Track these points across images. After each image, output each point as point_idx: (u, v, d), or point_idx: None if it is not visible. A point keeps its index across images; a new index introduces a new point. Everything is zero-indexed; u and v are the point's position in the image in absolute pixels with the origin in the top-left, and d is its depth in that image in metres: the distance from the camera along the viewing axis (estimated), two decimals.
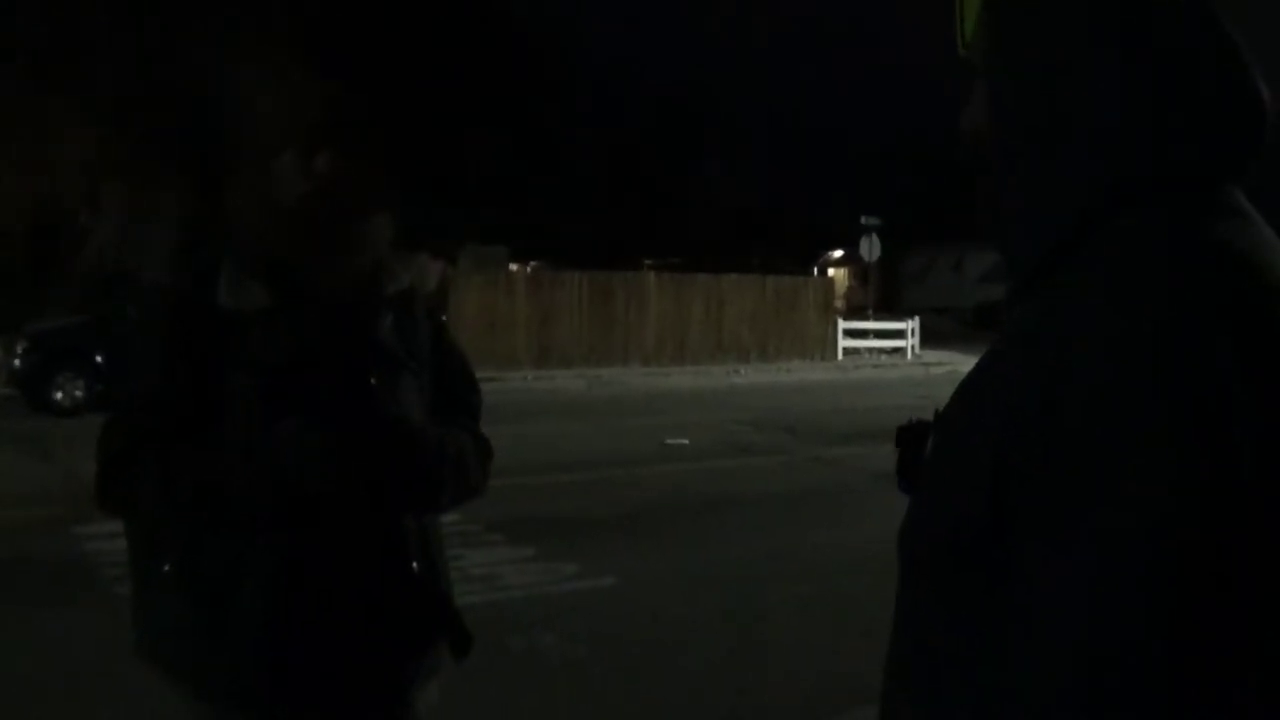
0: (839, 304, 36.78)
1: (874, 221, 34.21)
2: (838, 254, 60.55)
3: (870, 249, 34.15)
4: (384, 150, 2.41)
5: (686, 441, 14.99)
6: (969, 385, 1.24)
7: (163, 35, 29.51)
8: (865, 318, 35.00)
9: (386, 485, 2.25)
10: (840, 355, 31.46)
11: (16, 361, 17.92)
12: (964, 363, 30.53)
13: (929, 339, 34.21)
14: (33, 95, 28.62)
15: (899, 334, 32.91)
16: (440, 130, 30.20)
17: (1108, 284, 1.09)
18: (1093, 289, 1.10)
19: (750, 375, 27.63)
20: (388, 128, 2.50)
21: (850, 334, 32.32)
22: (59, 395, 17.42)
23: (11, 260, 29.05)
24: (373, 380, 2.34)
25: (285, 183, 2.32)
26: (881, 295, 41.23)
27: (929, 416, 1.43)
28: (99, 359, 17.23)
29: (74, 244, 29.60)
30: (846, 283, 55.94)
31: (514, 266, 38.79)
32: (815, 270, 54.86)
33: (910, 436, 1.54)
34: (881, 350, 32.50)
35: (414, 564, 2.41)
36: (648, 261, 44.43)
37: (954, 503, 1.14)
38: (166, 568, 2.25)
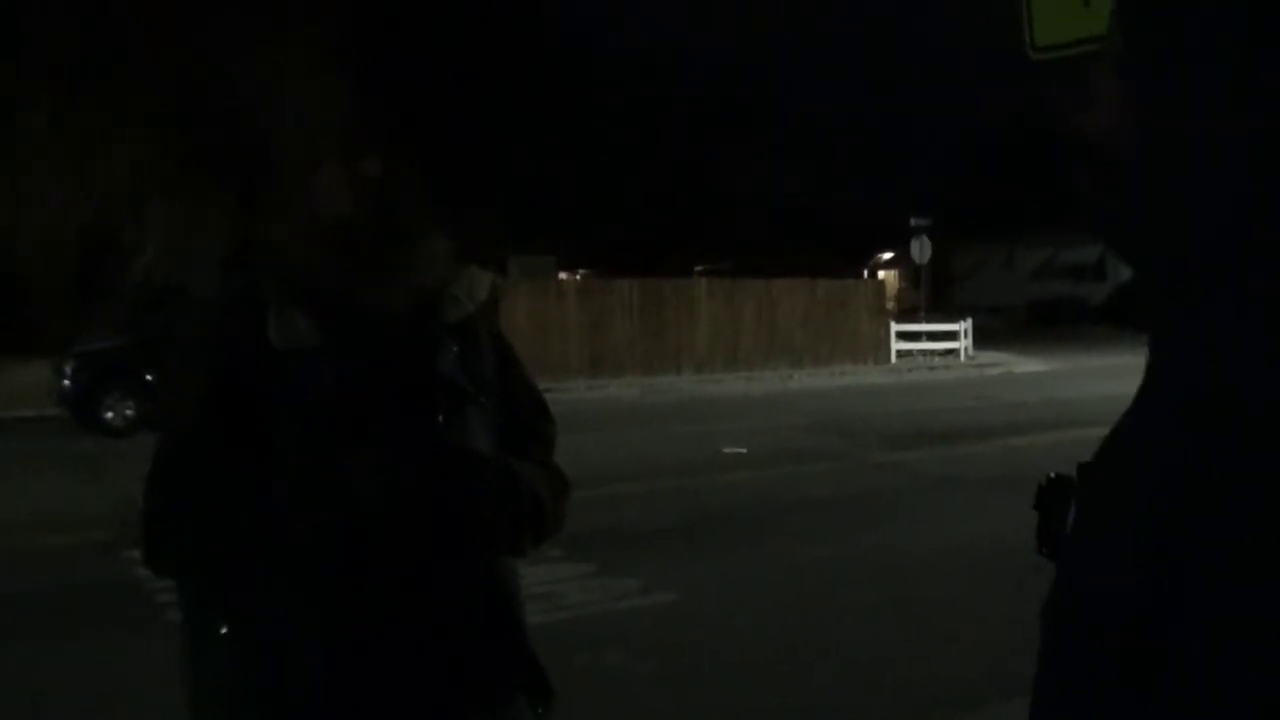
0: (891, 305, 36.56)
1: (924, 222, 34.01)
2: (888, 255, 60.27)
3: (921, 251, 33.95)
4: (432, 159, 2.27)
5: (744, 450, 14.89)
6: (1120, 435, 1.11)
7: (203, 46, 29.68)
8: (918, 319, 34.76)
9: (462, 526, 2.11)
10: (894, 358, 31.25)
11: (66, 382, 17.97)
12: (1017, 363, 30.44)
13: (982, 339, 33.94)
14: (76, 111, 28.87)
15: (952, 335, 32.65)
16: (484, 137, 30.26)
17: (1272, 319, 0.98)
18: (1254, 323, 0.99)
19: (803, 379, 27.49)
20: (433, 134, 2.36)
21: (903, 336, 32.10)
22: (109, 415, 17.49)
23: (58, 280, 29.33)
24: (440, 418, 2.16)
25: (328, 198, 2.15)
26: (933, 295, 40.96)
27: (1068, 468, 1.29)
28: (149, 377, 17.08)
29: (120, 262, 29.80)
30: (898, 284, 55.71)
31: (563, 275, 38.81)
32: (865, 272, 54.63)
33: (1052, 497, 1.35)
34: (935, 352, 32.24)
35: (491, 614, 2.26)
36: (698, 268, 44.33)
37: (1105, 579, 1.04)
38: (224, 630, 2.10)
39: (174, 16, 29.89)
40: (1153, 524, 0.98)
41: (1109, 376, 22.73)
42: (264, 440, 2.05)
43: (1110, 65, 1.19)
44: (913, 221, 34.34)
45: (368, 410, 2.09)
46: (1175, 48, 1.09)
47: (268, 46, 29.34)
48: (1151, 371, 1.10)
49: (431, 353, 2.20)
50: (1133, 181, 1.15)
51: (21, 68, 28.26)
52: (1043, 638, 1.14)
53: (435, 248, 2.23)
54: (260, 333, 2.09)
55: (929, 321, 34.26)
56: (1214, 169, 1.06)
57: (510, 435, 2.33)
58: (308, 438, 2.05)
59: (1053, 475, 1.39)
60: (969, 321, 33.22)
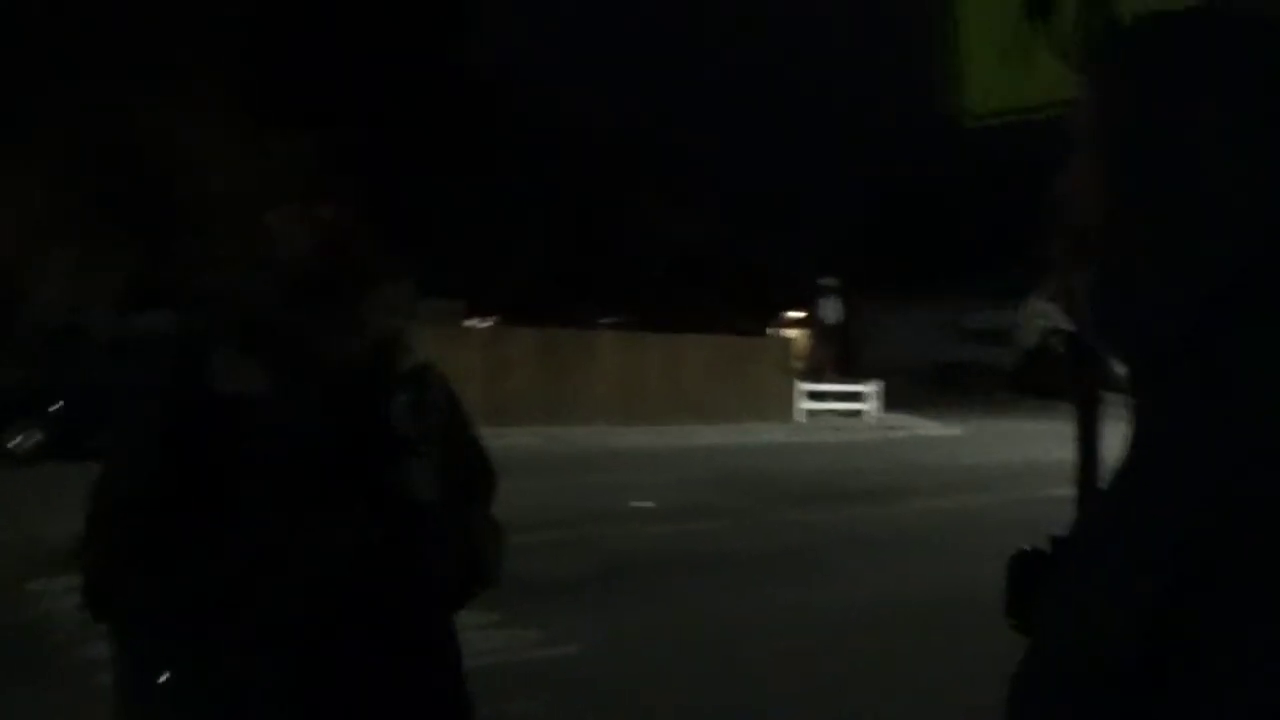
0: (798, 364, 36.75)
1: (832, 282, 34.33)
2: (797, 314, 60.78)
3: (830, 310, 34.22)
4: (389, 203, 2.25)
5: (652, 504, 14.79)
6: (1109, 504, 1.13)
7: (109, 85, 29.38)
8: (825, 379, 34.98)
9: (415, 579, 2.11)
10: (802, 417, 31.38)
11: None
12: (924, 426, 30.72)
13: (889, 401, 34.21)
14: None
15: (860, 396, 32.88)
16: (388, 179, 30.21)
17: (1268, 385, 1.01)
18: (1255, 390, 1.02)
19: (709, 435, 27.38)
20: (377, 179, 2.32)
21: (811, 395, 32.31)
22: (14, 442, 17.59)
23: None
24: (387, 469, 2.14)
25: (282, 241, 2.12)
26: (840, 355, 41.29)
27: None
28: (51, 409, 17.59)
29: (16, 299, 29.38)
30: (805, 342, 56.13)
31: (471, 322, 38.67)
32: (774, 329, 54.99)
33: (1026, 568, 1.39)
34: (842, 412, 32.45)
35: (436, 667, 2.25)
36: (604, 320, 44.40)
37: (1094, 643, 1.03)
38: (163, 679, 2.01)
39: (85, 53, 29.60)
40: (1152, 583, 0.98)
41: (1013, 442, 23.02)
42: (212, 490, 2.01)
43: (1086, 140, 1.19)
44: (822, 281, 34.65)
45: (321, 463, 2.06)
46: (1172, 132, 1.10)
47: (172, 93, 29.14)
48: (1144, 443, 1.11)
49: (383, 403, 2.18)
50: (1108, 257, 1.16)
51: None
52: (1013, 706, 1.14)
53: (397, 294, 2.21)
54: (203, 377, 2.04)
55: (836, 382, 34.48)
56: (1191, 244, 1.08)
57: (454, 486, 2.30)
58: (259, 490, 2.01)
59: (1027, 548, 1.44)
60: (877, 384, 33.47)
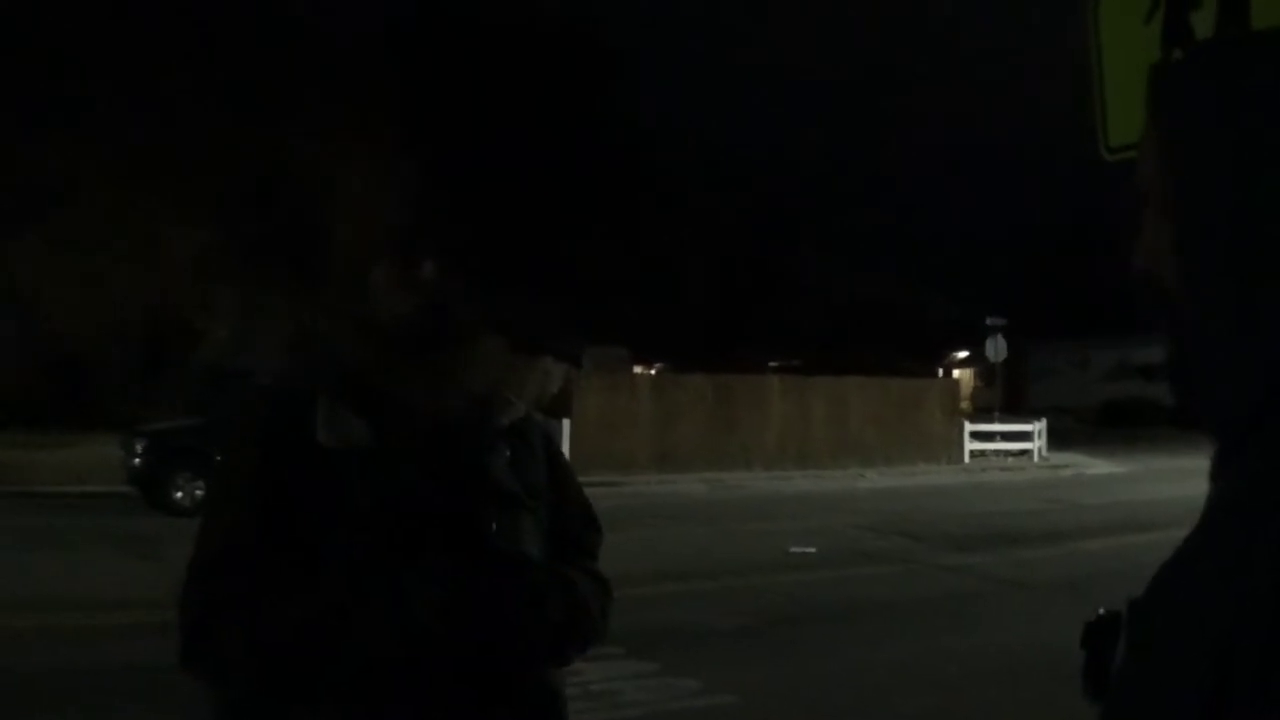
0: (965, 405, 36.21)
1: (999, 321, 33.79)
2: (963, 354, 59.91)
3: (996, 350, 33.70)
4: (497, 260, 2.24)
5: (813, 550, 14.74)
6: (1176, 571, 1.04)
7: (273, 134, 30.21)
8: (992, 419, 34.43)
9: (514, 636, 2.05)
10: (966, 458, 30.93)
11: (136, 460, 18.17)
12: (1090, 465, 30.02)
13: (1055, 439, 33.53)
14: (147, 193, 29.41)
15: (1025, 436, 32.28)
16: (553, 230, 30.61)
17: None
18: None
19: (874, 479, 27.24)
20: (499, 234, 2.33)
21: (976, 436, 31.78)
22: (178, 495, 17.61)
23: (125, 359, 29.80)
24: (490, 524, 2.11)
25: (384, 299, 2.13)
26: (1007, 395, 40.58)
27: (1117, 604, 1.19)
28: (218, 458, 17.05)
29: (188, 343, 30.25)
30: (972, 382, 55.29)
31: (638, 369, 38.86)
32: (940, 370, 54.29)
33: (1100, 634, 1.24)
34: (1008, 452, 31.89)
35: None
36: (771, 363, 44.27)
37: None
38: None
39: (248, 101, 30.49)
40: (1214, 659, 0.91)
41: (1180, 479, 22.31)
42: (310, 541, 2.01)
43: (1152, 194, 1.11)
44: (988, 320, 34.13)
45: (420, 516, 2.04)
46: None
47: (337, 140, 29.94)
48: (1217, 513, 1.03)
49: (483, 457, 2.16)
50: (1185, 326, 1.08)
51: (92, 148, 28.93)
52: None
53: (489, 350, 2.18)
54: (308, 428, 2.05)
55: (1003, 421, 33.92)
56: (1265, 311, 1.00)
57: (558, 541, 2.29)
58: (358, 543, 1.99)
59: (1101, 612, 1.26)
60: (1043, 422, 32.85)
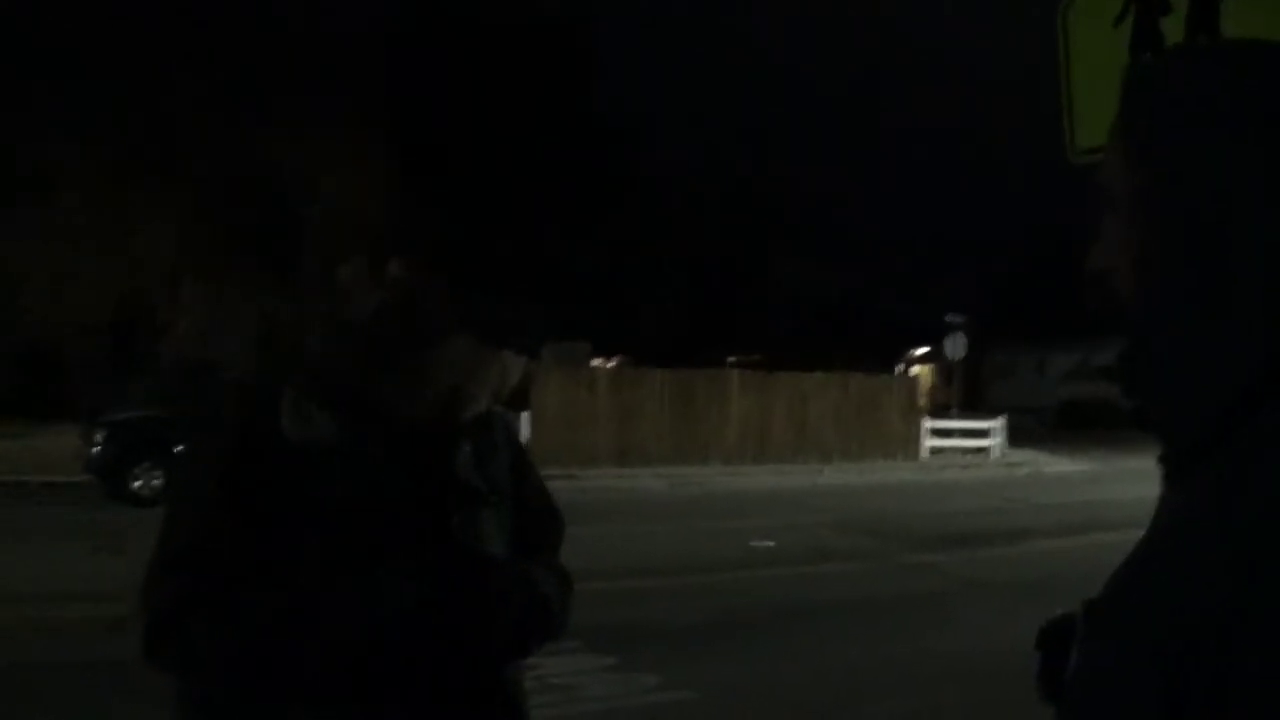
0: (923, 402, 36.32)
1: (958, 319, 33.95)
2: (921, 351, 60.14)
3: (955, 347, 33.84)
4: (464, 256, 2.20)
5: (772, 544, 14.76)
6: (1128, 579, 1.05)
7: (244, 127, 30.04)
8: (950, 416, 34.56)
9: (478, 632, 2.03)
10: (925, 454, 31.03)
11: (95, 449, 18.01)
12: (1048, 463, 30.19)
13: (1014, 438, 33.66)
14: (115, 185, 29.21)
15: (984, 433, 32.41)
16: (521, 226, 30.50)
17: None
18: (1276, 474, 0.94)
19: (833, 475, 27.22)
20: (467, 228, 2.31)
21: (936, 433, 31.91)
22: (137, 484, 17.50)
23: (91, 350, 29.64)
24: (454, 519, 2.12)
25: (353, 294, 2.14)
26: (965, 394, 40.74)
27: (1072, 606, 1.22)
28: (178, 449, 16.69)
29: (154, 335, 30.11)
30: (931, 380, 55.51)
31: (597, 362, 38.75)
32: (899, 368, 54.48)
33: (1055, 639, 1.30)
34: (967, 450, 32.00)
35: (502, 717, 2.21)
36: (730, 359, 44.29)
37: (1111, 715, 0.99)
38: None
39: (220, 95, 30.29)
40: (1162, 668, 0.92)
41: (1138, 479, 22.48)
42: (275, 537, 1.99)
43: (1113, 201, 1.11)
44: (947, 318, 34.29)
45: (385, 513, 2.04)
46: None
47: (310, 134, 29.75)
48: (1171, 518, 1.05)
49: (447, 452, 2.16)
50: (1139, 333, 1.08)
51: (61, 139, 28.69)
52: None
53: (456, 346, 2.13)
54: (273, 422, 2.03)
55: (961, 419, 34.05)
56: (1223, 326, 1.00)
57: (519, 535, 2.29)
58: (324, 539, 1.98)
59: (1058, 614, 1.34)
60: (1002, 420, 32.98)
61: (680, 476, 25.56)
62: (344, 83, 32.69)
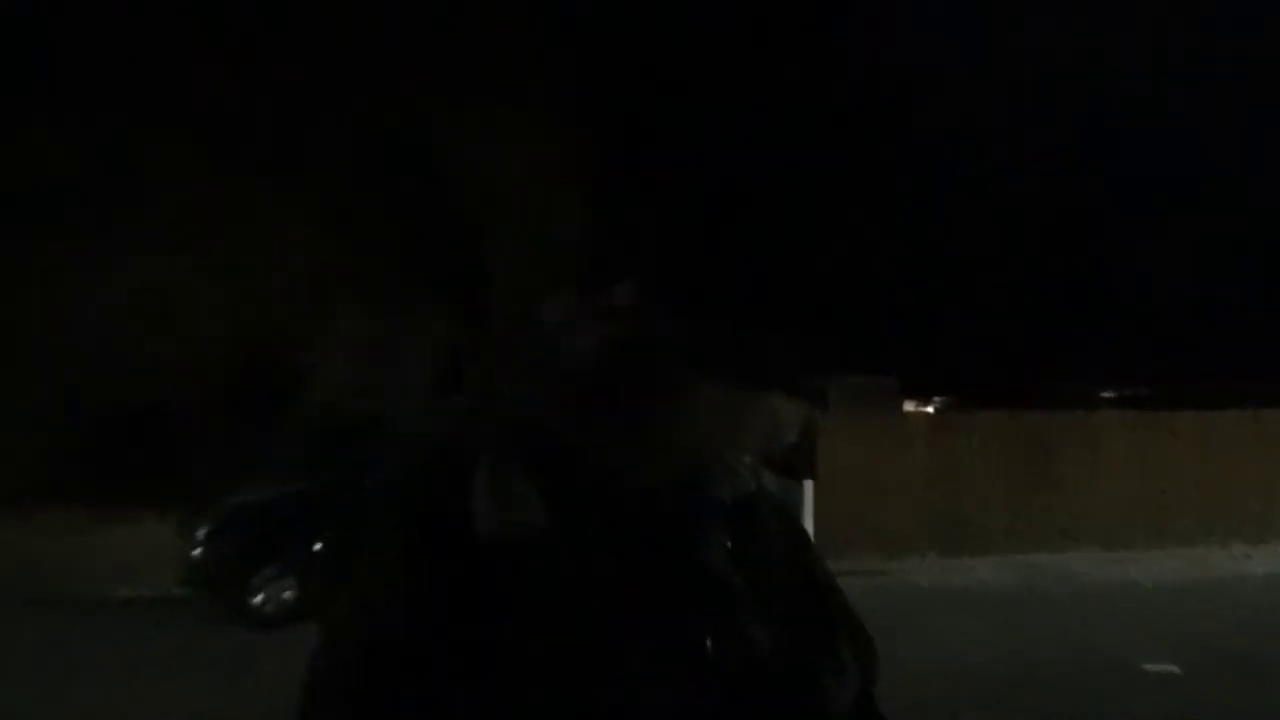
0: None
1: None
2: None
3: None
4: (709, 273, 2.26)
5: (1176, 669, 14.27)
6: None
7: (405, 118, 30.66)
8: None
9: None
10: None
11: (197, 551, 17.54)
12: None
13: None
14: (235, 192, 30.00)
15: None
16: (781, 225, 30.44)
17: None
18: None
19: (1267, 561, 26.24)
20: (707, 235, 2.32)
21: None
22: (258, 599, 16.87)
23: (204, 409, 30.22)
24: (708, 641, 2.10)
25: (563, 332, 2.17)
26: None
27: None
28: (318, 546, 16.65)
29: (288, 384, 30.71)
30: None
31: (910, 406, 38.60)
32: None
33: None
34: None
35: None
36: (1104, 396, 43.51)
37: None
38: None
39: (373, 80, 31.02)
40: None
41: None
42: (468, 647, 2.02)
43: None
44: None
45: (616, 617, 2.07)
46: None
47: (493, 121, 30.10)
48: None
49: (698, 544, 2.19)
50: None
51: (168, 130, 29.64)
52: None
53: (705, 398, 2.18)
54: (466, 499, 2.08)
55: None
56: None
57: (807, 652, 2.29)
58: (539, 650, 2.02)
59: None
60: None
61: (1030, 565, 25.26)
62: (533, 57, 33.11)
